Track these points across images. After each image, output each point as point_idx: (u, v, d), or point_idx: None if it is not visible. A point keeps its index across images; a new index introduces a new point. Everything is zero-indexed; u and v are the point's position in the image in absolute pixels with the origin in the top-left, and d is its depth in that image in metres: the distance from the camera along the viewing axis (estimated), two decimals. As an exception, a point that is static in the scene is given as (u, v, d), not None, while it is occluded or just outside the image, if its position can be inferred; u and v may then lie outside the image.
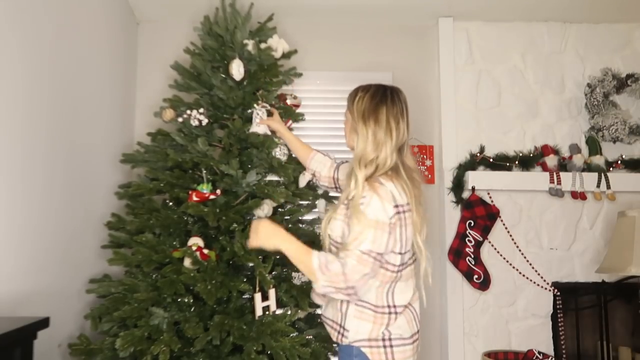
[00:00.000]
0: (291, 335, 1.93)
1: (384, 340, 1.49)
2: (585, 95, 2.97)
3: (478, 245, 2.80)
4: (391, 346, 1.49)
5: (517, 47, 3.03)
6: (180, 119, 2.23)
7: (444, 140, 2.94)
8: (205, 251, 1.98)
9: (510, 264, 2.84)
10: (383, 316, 1.50)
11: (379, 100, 1.55)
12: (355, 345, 1.50)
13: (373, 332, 1.49)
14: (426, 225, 1.59)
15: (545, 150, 2.91)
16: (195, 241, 2.00)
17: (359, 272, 1.41)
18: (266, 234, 1.52)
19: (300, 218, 2.33)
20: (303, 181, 2.17)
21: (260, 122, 2.12)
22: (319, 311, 2.32)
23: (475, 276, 2.78)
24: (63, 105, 2.08)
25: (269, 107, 2.23)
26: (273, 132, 2.20)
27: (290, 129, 2.44)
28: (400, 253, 1.50)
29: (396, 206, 1.46)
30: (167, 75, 2.50)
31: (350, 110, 1.60)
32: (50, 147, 1.98)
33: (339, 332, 1.53)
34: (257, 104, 2.21)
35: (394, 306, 1.51)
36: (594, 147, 2.92)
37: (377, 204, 1.43)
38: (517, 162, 2.89)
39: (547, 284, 2.84)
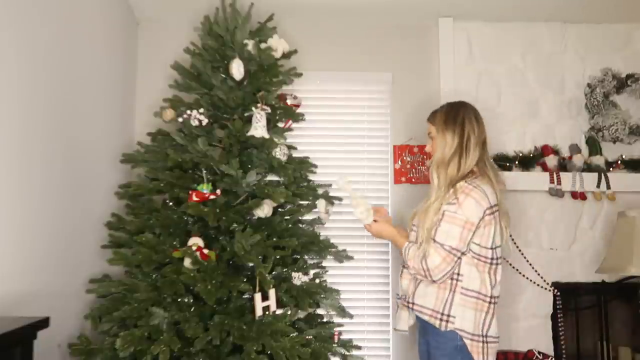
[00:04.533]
0: (291, 335, 1.93)
1: (484, 336, 1.72)
2: (585, 95, 2.96)
3: (478, 245, 2.80)
4: (487, 342, 1.72)
5: (517, 47, 3.02)
6: (180, 119, 2.23)
7: (444, 140, 2.94)
8: (205, 251, 1.97)
9: (510, 264, 2.84)
10: (484, 304, 1.73)
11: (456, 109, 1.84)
12: (459, 334, 1.70)
13: (476, 320, 1.71)
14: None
15: (545, 150, 2.90)
16: (195, 241, 2.00)
17: (442, 271, 1.68)
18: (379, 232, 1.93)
19: (300, 218, 2.33)
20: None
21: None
22: (319, 311, 2.32)
23: (475, 276, 2.77)
24: (62, 105, 2.08)
25: (268, 110, 2.23)
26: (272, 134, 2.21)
27: (290, 129, 2.45)
28: (491, 248, 1.74)
29: (490, 207, 1.71)
30: (167, 75, 2.50)
31: (433, 124, 1.87)
32: (50, 147, 1.98)
33: (441, 320, 1.72)
34: (257, 107, 2.21)
35: (493, 297, 1.76)
36: (594, 147, 2.91)
37: (471, 204, 1.69)
38: (517, 162, 2.88)
39: (547, 284, 2.83)
